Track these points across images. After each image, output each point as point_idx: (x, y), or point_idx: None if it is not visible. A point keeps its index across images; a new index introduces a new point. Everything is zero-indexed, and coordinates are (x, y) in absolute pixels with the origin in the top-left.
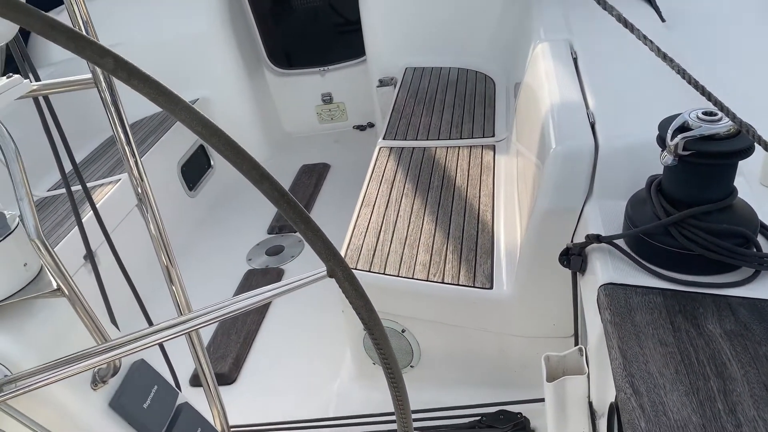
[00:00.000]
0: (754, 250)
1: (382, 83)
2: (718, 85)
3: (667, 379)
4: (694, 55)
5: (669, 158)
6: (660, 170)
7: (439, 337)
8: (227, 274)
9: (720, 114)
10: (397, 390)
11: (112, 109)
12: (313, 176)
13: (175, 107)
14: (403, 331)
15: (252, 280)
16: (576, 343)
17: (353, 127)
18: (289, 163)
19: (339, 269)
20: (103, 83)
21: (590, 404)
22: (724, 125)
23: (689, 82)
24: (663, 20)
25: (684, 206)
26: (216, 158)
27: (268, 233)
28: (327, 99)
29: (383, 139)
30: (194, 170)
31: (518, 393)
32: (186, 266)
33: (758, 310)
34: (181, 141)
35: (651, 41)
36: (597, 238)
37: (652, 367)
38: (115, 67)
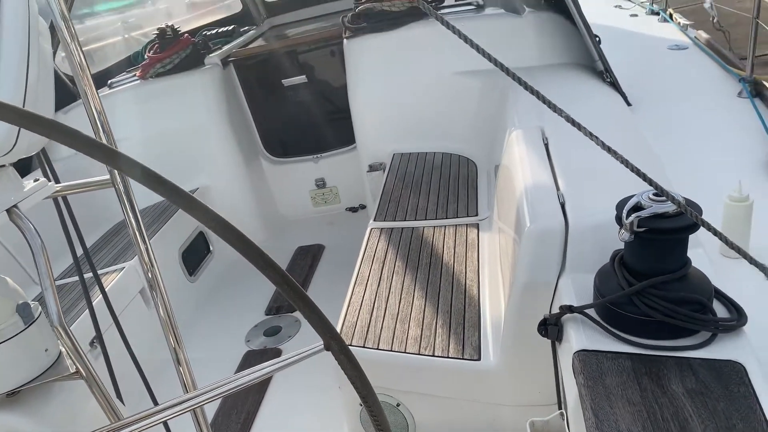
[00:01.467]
0: (710, 315)
1: (372, 168)
2: (675, 160)
3: None
4: (656, 134)
5: (626, 235)
6: (620, 245)
7: (433, 410)
8: (226, 356)
9: (664, 195)
10: None
11: (128, 206)
12: (308, 257)
13: (194, 207)
14: (398, 405)
15: (251, 360)
16: (559, 408)
17: (346, 209)
18: (285, 245)
19: (334, 343)
20: (120, 184)
21: None
22: (670, 206)
23: (632, 170)
24: (629, 104)
25: (644, 277)
26: (215, 244)
27: (266, 314)
28: (320, 184)
29: (374, 220)
30: (194, 256)
31: None
32: (187, 348)
33: (716, 369)
34: (182, 228)
35: (596, 137)
36: (570, 309)
37: (621, 425)
38: (142, 175)
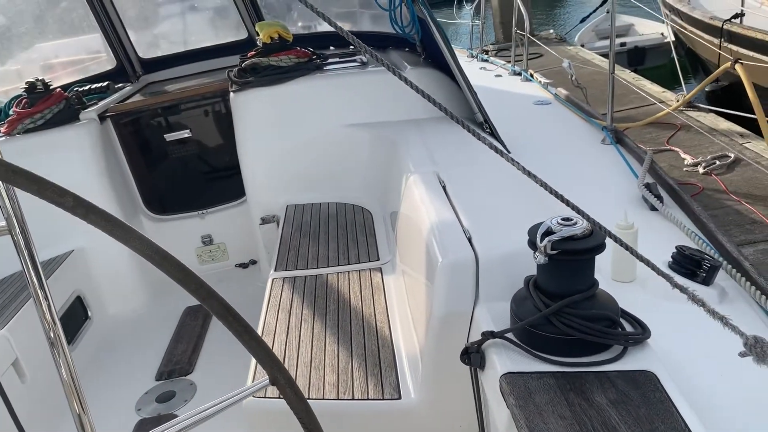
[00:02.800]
0: (620, 330)
1: (265, 221)
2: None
3: None
4: (512, 169)
5: (541, 258)
6: (531, 271)
7: None
8: (116, 427)
9: (574, 219)
10: None
11: (25, 253)
12: (199, 317)
13: (128, 237)
14: None
15: (145, 429)
16: None
17: (235, 266)
18: (171, 306)
19: (280, 376)
20: (18, 229)
21: None
22: (579, 228)
23: (551, 193)
24: (508, 152)
25: (558, 298)
26: (93, 309)
27: (157, 380)
28: (207, 240)
29: (275, 270)
30: (71, 322)
31: None
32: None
33: (632, 379)
34: (56, 294)
35: (518, 162)
36: (492, 334)
37: None
38: (74, 204)
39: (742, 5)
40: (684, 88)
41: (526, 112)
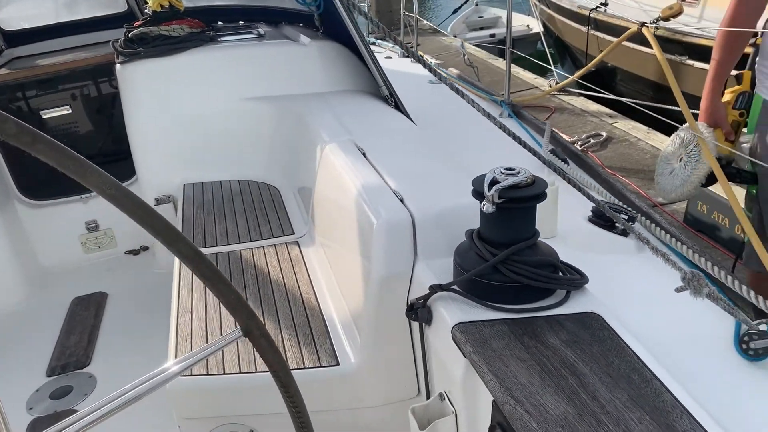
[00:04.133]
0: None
1: (159, 202)
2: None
3: (536, 386)
4: (442, 145)
5: (489, 206)
6: (464, 229)
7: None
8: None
9: (517, 169)
10: None
11: None
12: (91, 307)
13: (83, 172)
14: None
15: (40, 429)
16: (428, 396)
17: (125, 253)
18: (57, 298)
19: (254, 326)
20: None
21: None
22: (523, 176)
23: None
24: (415, 123)
25: (503, 247)
26: None
27: (48, 375)
28: (92, 227)
29: None
30: None
31: None
32: None
33: (579, 321)
34: None
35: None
36: (439, 287)
37: (522, 380)
38: (17, 131)
39: None
40: (555, 74)
41: (421, 90)
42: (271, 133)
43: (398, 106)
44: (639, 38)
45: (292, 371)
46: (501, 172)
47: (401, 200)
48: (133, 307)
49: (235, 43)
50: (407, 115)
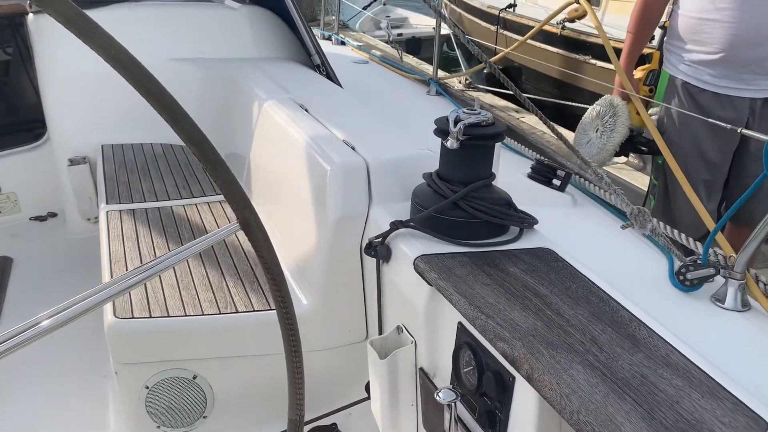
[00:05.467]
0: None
1: (74, 162)
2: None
3: (504, 305)
4: (377, 111)
5: (454, 143)
6: (418, 177)
7: (235, 375)
8: None
9: (478, 110)
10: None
11: None
12: None
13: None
14: (194, 377)
15: None
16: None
17: (30, 219)
18: None
19: (253, 221)
20: None
21: (421, 370)
22: (485, 116)
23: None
24: (341, 87)
25: (462, 186)
26: None
27: None
28: None
29: (107, 204)
30: None
31: (327, 406)
32: None
33: (534, 254)
34: None
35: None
36: (401, 223)
37: (489, 299)
38: None
39: None
40: (464, 68)
41: (346, 69)
42: (199, 95)
43: (330, 76)
44: (543, 38)
45: (241, 314)
46: (464, 112)
47: (353, 148)
48: (45, 272)
49: (160, 2)
50: (335, 80)
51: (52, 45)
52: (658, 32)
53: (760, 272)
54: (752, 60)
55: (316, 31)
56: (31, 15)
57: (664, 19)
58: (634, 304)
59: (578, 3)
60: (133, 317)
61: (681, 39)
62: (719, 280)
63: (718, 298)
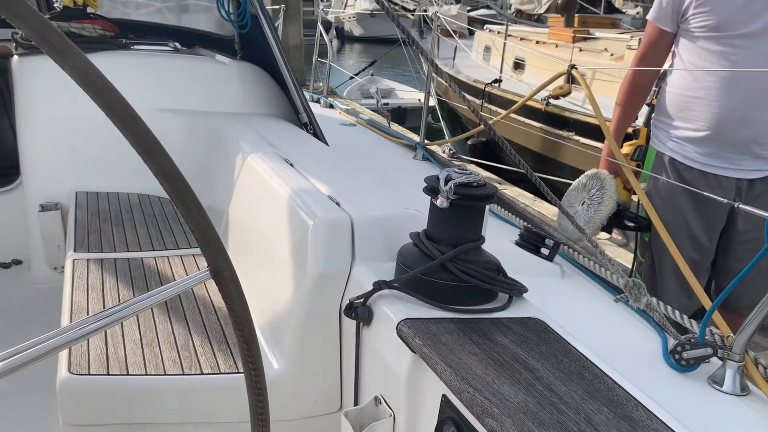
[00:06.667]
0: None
1: (45, 208)
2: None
3: (492, 377)
4: (364, 172)
5: (444, 201)
6: (404, 237)
7: None
8: None
9: (468, 170)
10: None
11: None
12: None
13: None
14: None
15: None
16: (356, 404)
17: None
18: None
19: (226, 268)
20: None
21: None
22: (475, 177)
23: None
24: (327, 145)
25: (450, 247)
26: None
27: None
28: None
29: (74, 251)
30: None
31: None
32: None
33: (525, 324)
34: None
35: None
36: (385, 283)
37: (477, 371)
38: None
39: (501, 72)
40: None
41: (334, 130)
42: (181, 147)
43: (317, 134)
44: (527, 113)
45: (207, 376)
46: (455, 172)
47: (338, 204)
48: (1, 322)
49: (151, 52)
50: (322, 139)
51: (33, 88)
52: (645, 110)
53: (759, 355)
54: (738, 140)
55: (306, 94)
56: (15, 57)
57: (651, 96)
58: (630, 382)
59: (568, 78)
60: (89, 374)
61: (668, 115)
62: (716, 361)
63: (716, 380)
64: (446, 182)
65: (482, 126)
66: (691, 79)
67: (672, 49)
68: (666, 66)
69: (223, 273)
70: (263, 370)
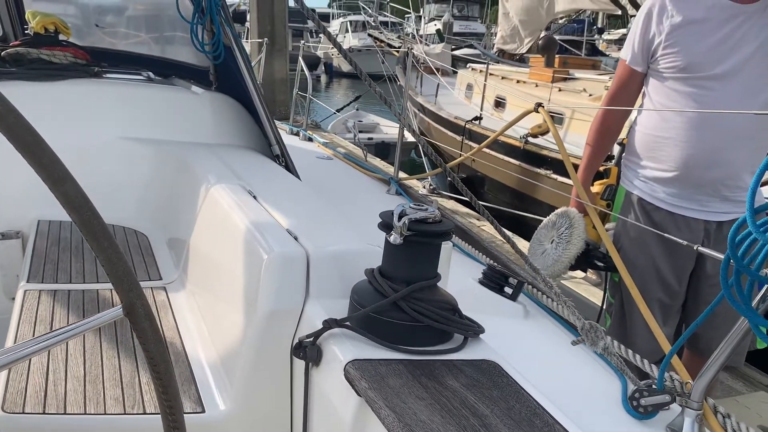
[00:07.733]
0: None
1: (5, 236)
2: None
3: (438, 424)
4: (333, 206)
5: (397, 238)
6: (361, 273)
7: None
8: None
9: (425, 206)
10: None
11: None
12: None
13: None
14: None
15: None
16: None
17: None
18: None
19: (140, 305)
20: None
21: None
22: (432, 213)
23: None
24: (299, 179)
25: (404, 285)
26: None
27: None
28: None
29: (27, 282)
30: None
31: None
32: None
33: (478, 367)
34: None
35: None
36: (335, 322)
37: (422, 416)
38: None
39: (481, 109)
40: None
41: (310, 163)
42: (147, 177)
43: (288, 167)
44: (506, 150)
45: (149, 415)
46: (410, 207)
47: (295, 238)
48: None
49: (122, 81)
50: (294, 173)
51: None
52: (616, 149)
53: (719, 402)
54: (706, 182)
55: (286, 126)
56: None
57: (622, 135)
58: (582, 431)
59: (539, 112)
60: (23, 412)
61: (637, 155)
62: (675, 408)
63: (674, 429)
64: (400, 218)
65: (457, 160)
66: (660, 120)
67: (642, 89)
68: (636, 106)
69: (136, 310)
70: (182, 415)
